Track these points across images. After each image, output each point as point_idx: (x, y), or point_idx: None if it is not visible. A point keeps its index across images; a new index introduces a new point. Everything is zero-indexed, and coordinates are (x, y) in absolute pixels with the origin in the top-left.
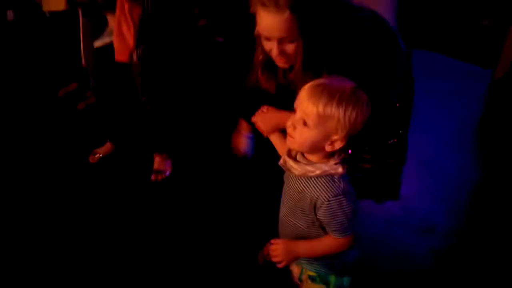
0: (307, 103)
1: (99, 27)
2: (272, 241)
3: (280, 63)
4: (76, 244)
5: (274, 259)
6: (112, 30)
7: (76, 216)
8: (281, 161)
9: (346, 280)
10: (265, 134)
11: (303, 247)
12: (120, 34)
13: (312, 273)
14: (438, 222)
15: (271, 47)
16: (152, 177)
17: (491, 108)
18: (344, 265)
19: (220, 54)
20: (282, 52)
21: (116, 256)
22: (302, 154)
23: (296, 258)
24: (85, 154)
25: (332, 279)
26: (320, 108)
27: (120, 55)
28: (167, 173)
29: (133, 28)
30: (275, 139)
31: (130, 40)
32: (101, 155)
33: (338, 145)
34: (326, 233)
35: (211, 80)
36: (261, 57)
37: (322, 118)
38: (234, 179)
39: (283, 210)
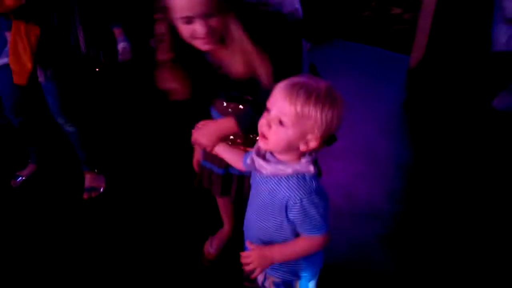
0: (283, 102)
1: None
2: (246, 249)
3: (206, 43)
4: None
5: (248, 268)
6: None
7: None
8: (248, 161)
9: (311, 285)
10: (210, 150)
11: (278, 251)
12: (16, 55)
13: (276, 279)
14: (380, 207)
15: (194, 28)
16: (85, 196)
17: (412, 92)
18: (310, 269)
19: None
20: (210, 29)
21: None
22: (271, 154)
23: (270, 264)
24: (7, 178)
25: (297, 284)
26: (298, 108)
27: (18, 78)
28: (101, 189)
29: (29, 50)
30: (221, 150)
31: (28, 62)
32: (23, 178)
33: (312, 144)
34: (294, 236)
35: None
36: (167, 55)
37: (299, 118)
38: (171, 188)
39: (250, 214)
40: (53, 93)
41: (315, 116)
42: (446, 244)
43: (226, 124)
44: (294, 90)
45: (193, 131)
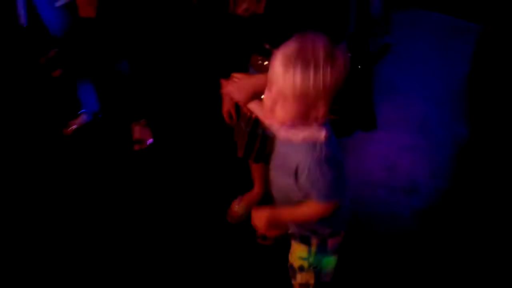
0: (282, 78)
1: None
2: (254, 210)
3: None
4: (60, 221)
5: (257, 227)
6: None
7: (54, 195)
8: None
9: (330, 243)
10: (242, 104)
11: (286, 213)
12: None
13: (294, 233)
14: (422, 182)
15: None
16: (135, 147)
17: (479, 64)
18: (325, 228)
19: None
20: None
21: (105, 234)
22: None
23: (280, 224)
24: (60, 125)
25: (315, 241)
26: (298, 81)
27: (85, 10)
28: (149, 141)
29: None
30: (255, 107)
31: None
32: (76, 127)
33: (322, 111)
34: (306, 198)
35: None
36: None
37: (302, 90)
38: (218, 146)
39: (272, 172)
40: (116, 27)
41: (318, 85)
42: (479, 227)
43: (262, 80)
44: (291, 61)
45: (227, 82)
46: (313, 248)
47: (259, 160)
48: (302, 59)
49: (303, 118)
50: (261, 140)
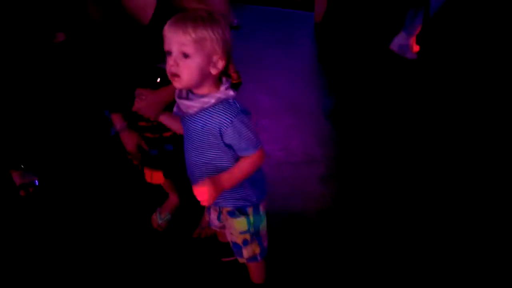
0: (178, 35)
1: None
2: (194, 186)
3: None
4: None
5: (203, 199)
6: None
7: None
8: (175, 109)
9: (261, 208)
10: (153, 118)
11: (225, 176)
12: None
13: (229, 208)
14: (316, 153)
15: None
16: (21, 193)
17: (322, 44)
18: (256, 192)
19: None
20: None
21: None
22: (192, 93)
23: (222, 190)
24: None
25: (250, 209)
26: (193, 34)
27: None
28: (36, 182)
29: None
30: (166, 118)
31: None
32: None
33: (221, 64)
34: (236, 161)
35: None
36: None
37: (198, 42)
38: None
39: (189, 158)
40: None
41: (210, 35)
42: (377, 178)
43: (169, 90)
44: (181, 22)
45: (136, 100)
46: (251, 217)
47: (172, 174)
48: (190, 18)
49: (205, 74)
50: (169, 157)
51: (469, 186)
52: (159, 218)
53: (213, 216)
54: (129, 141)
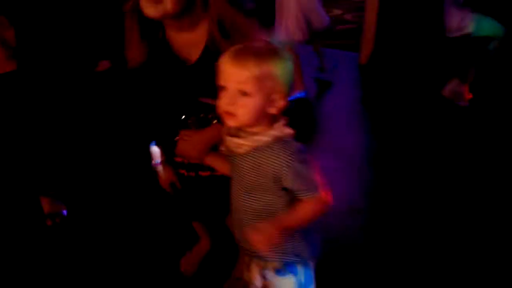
0: (238, 71)
1: None
2: (250, 230)
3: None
4: None
5: (260, 245)
6: None
7: None
8: (222, 148)
9: (310, 269)
10: (199, 161)
11: (284, 219)
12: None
13: (277, 265)
14: (360, 202)
15: None
16: (48, 223)
17: (367, 87)
18: (309, 248)
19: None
20: None
21: None
22: (243, 130)
23: (280, 233)
24: None
25: (300, 267)
26: (255, 71)
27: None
28: (64, 212)
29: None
30: (212, 160)
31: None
32: None
33: (281, 103)
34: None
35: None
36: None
37: (260, 80)
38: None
39: (239, 200)
40: None
41: (272, 72)
42: (420, 232)
43: (213, 132)
44: (242, 56)
45: (179, 142)
46: (301, 277)
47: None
48: (253, 51)
49: (263, 114)
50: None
51: None
52: (188, 263)
53: (255, 272)
54: (164, 176)
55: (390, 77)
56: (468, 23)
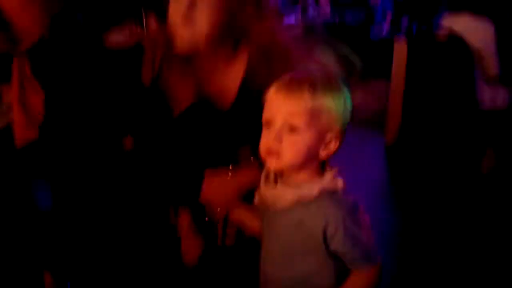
0: (288, 103)
1: None
2: None
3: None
4: None
5: None
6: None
7: None
8: (256, 200)
9: None
10: (225, 211)
11: None
12: (21, 104)
13: None
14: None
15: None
16: None
17: (395, 168)
18: None
19: None
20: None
21: None
22: (281, 177)
23: None
24: None
25: None
26: (309, 102)
27: (26, 133)
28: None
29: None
30: (242, 213)
31: (39, 106)
32: None
33: (334, 145)
34: (337, 279)
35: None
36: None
37: (313, 114)
38: None
39: (272, 266)
40: None
41: (329, 106)
42: None
43: (247, 176)
44: (294, 86)
45: (203, 187)
46: None
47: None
48: (306, 81)
49: (313, 153)
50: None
51: None
52: None
53: None
54: (191, 250)
55: (421, 157)
56: (501, 100)
